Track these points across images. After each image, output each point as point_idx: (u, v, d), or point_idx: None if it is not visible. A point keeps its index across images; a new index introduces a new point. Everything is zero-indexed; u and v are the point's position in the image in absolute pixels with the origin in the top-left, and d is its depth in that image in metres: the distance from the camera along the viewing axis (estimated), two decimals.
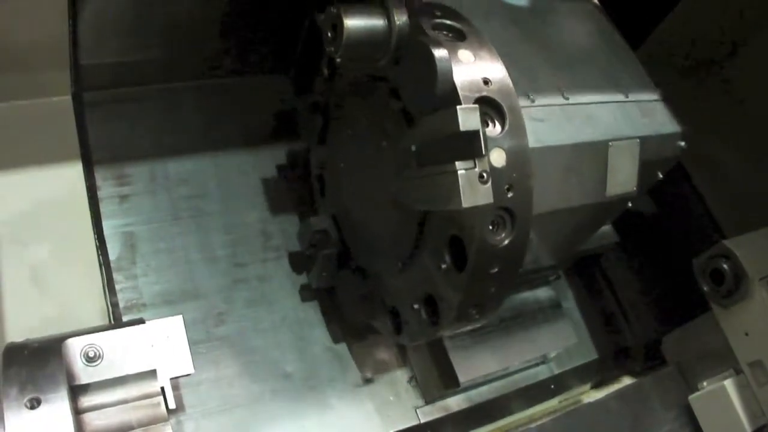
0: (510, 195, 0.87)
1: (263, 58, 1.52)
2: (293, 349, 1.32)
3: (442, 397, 1.37)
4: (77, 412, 0.80)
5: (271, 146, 1.49)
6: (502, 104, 0.88)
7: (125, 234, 1.28)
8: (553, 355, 1.48)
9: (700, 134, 1.20)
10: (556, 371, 1.53)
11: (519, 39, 1.11)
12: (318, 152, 1.33)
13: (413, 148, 0.91)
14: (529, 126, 0.91)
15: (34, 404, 0.74)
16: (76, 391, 0.81)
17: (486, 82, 0.88)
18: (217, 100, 1.48)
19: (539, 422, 1.29)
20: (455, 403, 1.39)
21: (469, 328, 1.08)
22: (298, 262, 1.39)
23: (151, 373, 0.86)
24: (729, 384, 1.31)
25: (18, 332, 0.97)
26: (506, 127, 0.88)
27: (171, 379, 0.87)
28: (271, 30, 1.46)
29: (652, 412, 1.38)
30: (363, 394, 1.33)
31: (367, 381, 1.34)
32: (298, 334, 1.34)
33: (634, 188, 1.13)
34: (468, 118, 0.80)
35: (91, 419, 0.81)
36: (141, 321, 0.89)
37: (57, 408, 0.75)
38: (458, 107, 0.80)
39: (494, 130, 0.88)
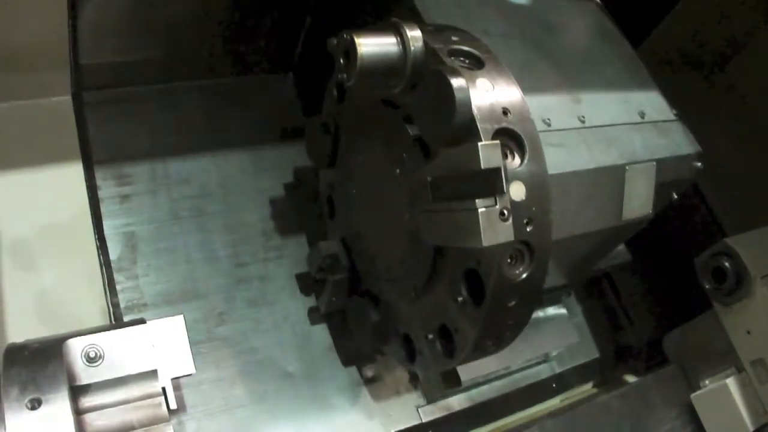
0: (529, 229, 0.83)
1: (263, 58, 1.52)
2: (294, 348, 1.32)
3: (444, 396, 1.37)
4: (78, 413, 0.80)
5: (272, 146, 1.49)
6: (522, 135, 0.85)
7: (126, 234, 1.29)
8: (554, 354, 1.48)
9: (701, 133, 1.19)
10: (558, 370, 1.53)
11: (531, 55, 1.08)
12: (327, 175, 1.27)
13: (429, 179, 0.88)
14: (547, 152, 0.87)
15: (35, 405, 0.74)
16: (77, 392, 0.81)
17: (505, 112, 0.84)
18: (217, 99, 1.49)
19: (541, 421, 1.28)
20: (457, 402, 1.39)
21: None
22: (305, 284, 1.37)
23: (152, 374, 0.86)
24: (731, 382, 1.30)
25: (18, 332, 0.96)
26: (526, 159, 0.84)
27: (172, 379, 0.87)
28: (272, 30, 1.46)
29: (654, 410, 1.37)
30: (364, 393, 1.33)
31: (369, 380, 1.34)
32: (299, 333, 1.34)
33: (650, 211, 1.11)
34: (489, 156, 0.77)
35: (91, 420, 0.81)
36: (142, 321, 0.89)
37: (58, 408, 0.75)
38: (480, 144, 0.77)
39: (513, 162, 0.84)
